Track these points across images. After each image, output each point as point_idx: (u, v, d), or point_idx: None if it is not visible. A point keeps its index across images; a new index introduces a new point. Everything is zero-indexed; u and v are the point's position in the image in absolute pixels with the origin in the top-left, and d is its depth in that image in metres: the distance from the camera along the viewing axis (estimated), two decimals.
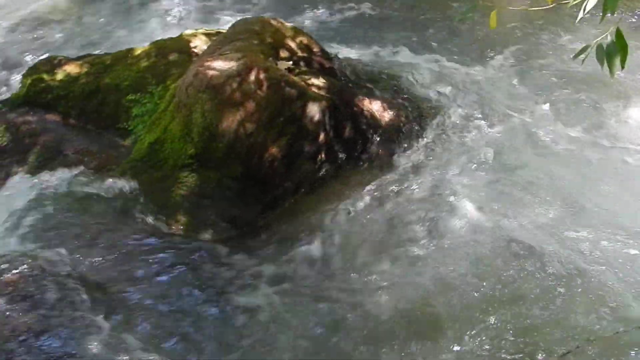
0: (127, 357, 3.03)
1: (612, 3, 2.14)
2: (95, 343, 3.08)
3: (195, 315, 3.31)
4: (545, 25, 5.71)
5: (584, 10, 2.25)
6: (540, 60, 5.32)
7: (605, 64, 2.22)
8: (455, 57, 5.28)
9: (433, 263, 3.58)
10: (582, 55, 2.34)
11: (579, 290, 3.33)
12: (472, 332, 3.19)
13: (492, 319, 3.25)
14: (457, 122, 4.57)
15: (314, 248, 3.75)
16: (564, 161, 4.31)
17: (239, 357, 3.15)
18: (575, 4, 2.33)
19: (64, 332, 3.12)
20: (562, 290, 3.33)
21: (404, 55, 5.27)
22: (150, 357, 3.07)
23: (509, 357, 3.06)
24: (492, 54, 5.40)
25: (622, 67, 2.20)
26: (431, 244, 3.70)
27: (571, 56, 2.84)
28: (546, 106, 4.77)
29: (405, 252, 3.68)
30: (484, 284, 3.46)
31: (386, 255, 3.68)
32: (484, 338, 3.18)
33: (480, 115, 4.61)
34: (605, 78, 4.12)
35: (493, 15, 3.28)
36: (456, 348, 3.16)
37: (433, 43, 5.55)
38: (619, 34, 2.19)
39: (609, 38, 2.21)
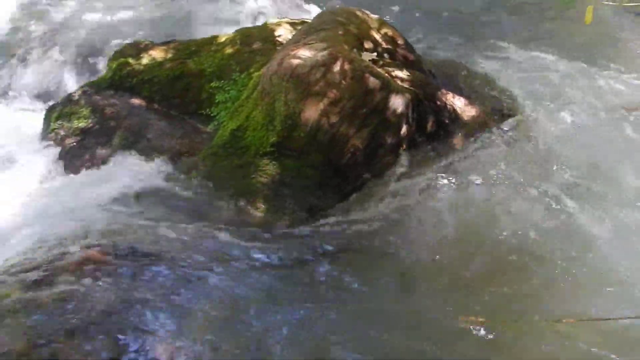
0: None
1: None
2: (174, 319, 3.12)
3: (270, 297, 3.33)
4: None
5: None
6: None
7: None
8: (544, 52, 5.14)
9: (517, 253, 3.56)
10: None
11: None
12: None
13: None
14: (542, 121, 4.46)
15: (392, 240, 3.72)
16: None
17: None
18: None
19: (145, 308, 3.17)
20: None
21: (490, 49, 5.18)
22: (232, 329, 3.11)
23: None
24: (585, 51, 5.24)
25: None
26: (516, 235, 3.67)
27: None
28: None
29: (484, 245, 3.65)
30: None
31: (466, 249, 3.65)
32: None
33: (567, 116, 4.48)
34: None
35: (589, 10, 3.16)
36: None
37: (521, 37, 5.42)
38: None
39: None
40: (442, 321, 3.34)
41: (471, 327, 3.24)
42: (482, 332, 3.17)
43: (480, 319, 3.24)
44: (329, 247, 3.71)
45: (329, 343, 3.24)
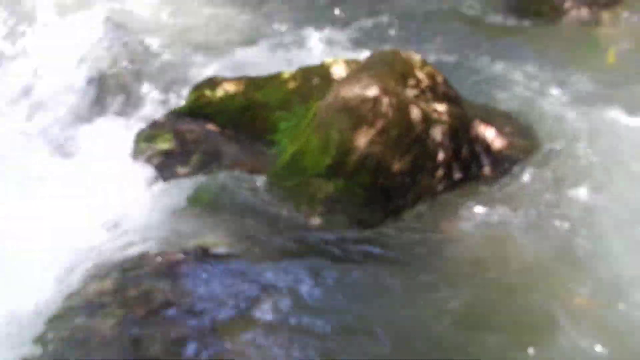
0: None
1: None
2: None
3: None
4: None
5: None
6: None
7: None
8: (566, 92, 5.23)
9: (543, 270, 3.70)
10: None
11: None
12: None
13: None
14: (561, 158, 4.60)
15: (431, 252, 3.94)
16: None
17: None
18: None
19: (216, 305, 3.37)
20: None
21: (524, 88, 5.29)
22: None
23: None
24: (606, 92, 5.24)
25: None
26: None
27: None
28: None
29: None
30: None
31: (496, 266, 3.80)
32: None
33: (583, 155, 4.58)
34: None
35: (611, 52, 3.32)
36: None
37: (552, 76, 5.47)
38: None
39: None
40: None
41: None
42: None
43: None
44: (376, 250, 3.94)
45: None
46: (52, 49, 6.17)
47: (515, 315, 3.54)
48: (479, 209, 4.26)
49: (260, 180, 4.45)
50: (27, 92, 5.92)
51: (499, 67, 5.56)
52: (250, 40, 6.05)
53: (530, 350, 3.26)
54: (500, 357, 3.28)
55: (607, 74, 5.34)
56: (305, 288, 3.61)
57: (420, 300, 3.64)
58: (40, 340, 3.31)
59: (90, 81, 5.76)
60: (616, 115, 4.98)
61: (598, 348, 3.24)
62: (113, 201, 4.60)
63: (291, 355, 3.18)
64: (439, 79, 4.77)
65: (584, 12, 6.43)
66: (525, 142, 4.76)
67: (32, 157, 5.19)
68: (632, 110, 5.00)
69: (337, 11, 6.44)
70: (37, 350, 3.28)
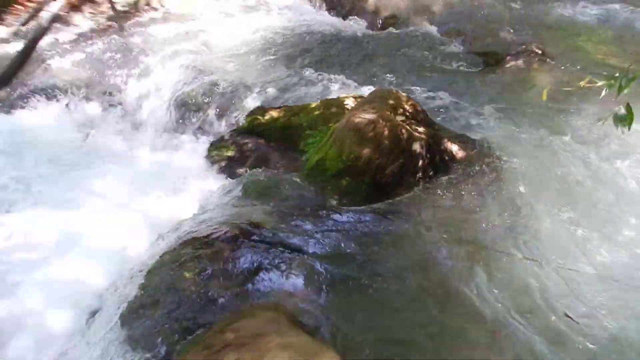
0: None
1: (625, 87, 2.27)
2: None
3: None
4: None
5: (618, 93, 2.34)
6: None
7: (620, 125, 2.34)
8: (515, 119, 5.13)
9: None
10: (602, 120, 2.46)
11: None
12: None
13: None
14: (505, 163, 4.54)
15: (413, 223, 3.87)
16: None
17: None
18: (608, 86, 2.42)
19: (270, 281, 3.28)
20: None
21: (478, 116, 5.20)
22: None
23: None
24: (547, 120, 5.14)
25: (629, 129, 2.33)
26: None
27: (597, 120, 2.63)
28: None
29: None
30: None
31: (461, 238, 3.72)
32: None
33: (527, 164, 4.50)
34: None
35: (544, 91, 3.31)
36: None
37: (499, 107, 5.36)
38: (628, 107, 2.30)
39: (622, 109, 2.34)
40: None
41: None
42: None
43: None
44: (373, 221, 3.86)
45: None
46: (153, 83, 6.21)
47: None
48: (445, 196, 4.21)
49: (294, 178, 4.42)
50: (135, 111, 5.96)
51: (461, 101, 5.47)
52: (288, 82, 6.00)
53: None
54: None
55: (541, 107, 5.28)
56: (324, 248, 3.56)
57: (404, 247, 3.64)
58: (142, 287, 3.29)
59: (178, 106, 5.77)
60: (548, 134, 4.94)
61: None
62: (192, 190, 4.63)
63: (315, 292, 3.14)
64: (419, 109, 4.75)
65: (520, 62, 6.39)
66: (479, 154, 4.66)
67: (137, 156, 5.20)
68: (559, 131, 4.98)
69: (348, 62, 6.43)
70: (140, 293, 3.25)
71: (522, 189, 4.21)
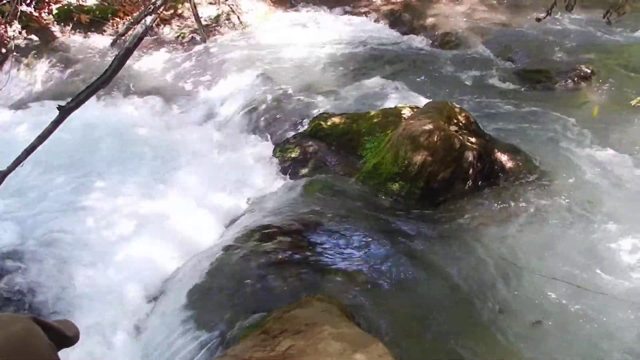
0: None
1: None
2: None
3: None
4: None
5: None
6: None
7: None
8: (565, 135, 4.87)
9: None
10: None
11: None
12: None
13: None
14: (554, 177, 4.29)
15: (460, 229, 3.74)
16: None
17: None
18: None
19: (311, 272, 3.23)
20: None
21: (529, 130, 4.95)
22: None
23: None
24: (598, 136, 4.83)
25: None
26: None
27: None
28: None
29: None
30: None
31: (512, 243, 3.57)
32: None
33: (577, 178, 4.26)
34: None
35: (595, 108, 3.11)
36: None
37: (550, 122, 5.08)
38: None
39: None
40: None
41: None
42: None
43: None
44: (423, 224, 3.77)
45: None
46: (229, 89, 6.24)
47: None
48: (492, 205, 4.03)
49: (352, 180, 4.34)
50: (211, 114, 5.99)
51: (511, 115, 5.27)
52: (350, 91, 5.93)
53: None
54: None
55: (591, 124, 4.97)
56: (377, 247, 3.47)
57: (450, 251, 3.51)
58: (207, 272, 3.28)
59: (249, 111, 5.77)
60: (597, 150, 4.67)
61: None
62: (258, 187, 4.61)
63: (366, 287, 3.05)
64: (472, 120, 4.57)
65: (570, 82, 6.08)
66: (528, 165, 4.44)
67: (210, 153, 5.22)
68: (608, 147, 4.70)
69: (405, 76, 6.31)
70: (205, 278, 3.24)
71: (570, 203, 3.99)
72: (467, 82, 6.10)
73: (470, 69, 6.36)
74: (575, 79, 6.06)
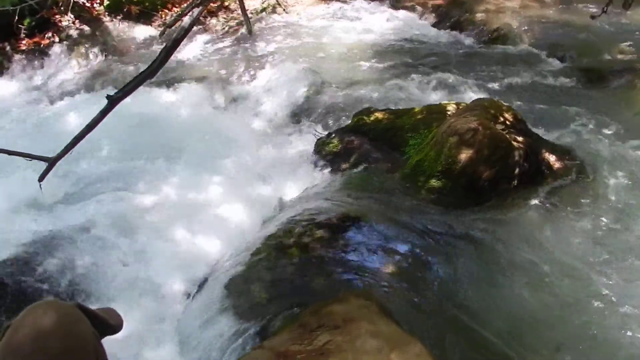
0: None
1: None
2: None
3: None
4: None
5: None
6: None
7: None
8: (615, 135, 4.66)
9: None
10: None
11: None
12: None
13: None
14: (603, 178, 4.11)
15: (503, 230, 3.63)
16: None
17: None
18: None
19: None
20: None
21: (578, 130, 4.77)
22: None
23: None
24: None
25: None
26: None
27: None
28: None
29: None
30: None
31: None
32: None
33: (625, 181, 4.07)
34: None
35: None
36: None
37: (601, 122, 4.87)
38: None
39: None
40: None
41: None
42: None
43: None
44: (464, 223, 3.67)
45: None
46: (272, 80, 6.24)
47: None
48: (537, 207, 3.90)
49: (394, 177, 4.27)
50: (255, 105, 6.00)
51: (561, 114, 5.06)
52: (393, 86, 5.84)
53: None
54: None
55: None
56: (418, 244, 3.41)
57: (491, 252, 3.41)
58: (247, 264, 3.31)
59: (292, 103, 5.78)
60: None
61: None
62: (299, 180, 4.59)
63: (405, 285, 3.00)
64: (519, 118, 4.47)
65: (623, 80, 5.83)
66: (577, 166, 4.28)
67: (253, 145, 5.25)
68: None
69: (451, 72, 6.14)
70: (245, 269, 3.26)
71: (622, 207, 3.83)
72: (515, 80, 5.92)
73: (518, 66, 6.17)
74: (629, 77, 5.81)
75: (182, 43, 3.42)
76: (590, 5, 7.15)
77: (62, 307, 1.10)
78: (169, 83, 6.36)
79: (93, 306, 1.26)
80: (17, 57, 7.11)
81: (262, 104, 5.93)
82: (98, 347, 1.12)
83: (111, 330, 1.21)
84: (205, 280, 3.48)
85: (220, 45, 7.42)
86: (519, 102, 5.32)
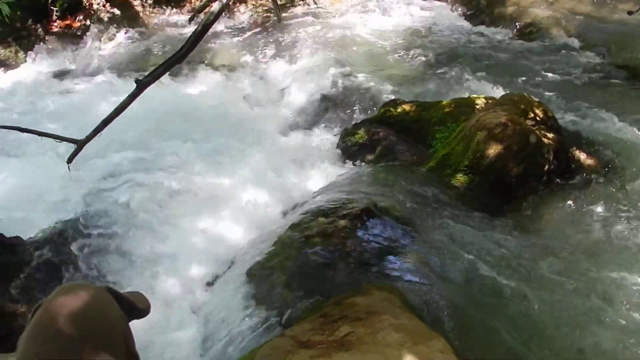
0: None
1: None
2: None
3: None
4: None
5: None
6: None
7: None
8: None
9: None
10: None
11: None
12: None
13: None
14: (634, 177, 4.01)
15: (530, 227, 3.60)
16: None
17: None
18: None
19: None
20: None
21: (611, 128, 4.64)
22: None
23: None
24: None
25: None
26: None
27: None
28: None
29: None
30: None
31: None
32: None
33: None
34: None
35: None
36: None
37: (633, 121, 4.69)
38: None
39: None
40: None
41: None
42: None
43: None
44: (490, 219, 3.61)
45: None
46: (299, 70, 6.24)
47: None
48: (566, 205, 3.82)
49: (419, 170, 4.24)
50: (282, 94, 5.99)
51: (595, 112, 4.91)
52: (421, 79, 5.81)
53: None
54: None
55: None
56: (442, 239, 3.34)
57: (517, 248, 3.33)
58: (269, 252, 3.29)
59: (318, 93, 5.75)
60: None
61: None
62: (323, 170, 4.58)
63: (429, 279, 2.93)
64: (550, 115, 4.37)
65: None
66: (609, 165, 4.20)
67: (278, 133, 5.27)
68: None
69: (480, 65, 6.07)
70: (267, 258, 3.26)
71: None
72: (546, 75, 5.80)
73: (551, 62, 6.04)
74: None
75: (211, 29, 3.43)
76: (625, 1, 6.94)
77: (93, 289, 1.11)
78: (195, 69, 6.39)
79: (118, 288, 1.26)
80: (48, 38, 7.21)
81: (289, 92, 5.92)
82: (126, 330, 1.12)
83: (139, 314, 1.22)
84: (228, 266, 3.49)
85: (249, 32, 7.42)
86: (550, 98, 5.22)
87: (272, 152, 4.86)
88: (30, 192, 4.15)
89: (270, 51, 6.77)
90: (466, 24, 7.37)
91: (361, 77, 5.86)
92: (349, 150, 4.76)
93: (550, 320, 2.80)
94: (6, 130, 3.08)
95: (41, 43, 7.12)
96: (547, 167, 4.01)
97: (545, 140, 4.07)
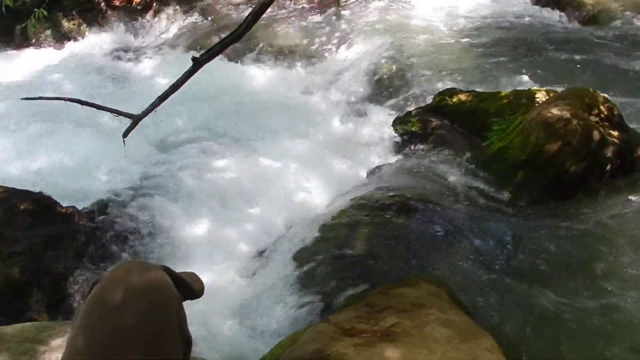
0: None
1: None
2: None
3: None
4: None
5: None
6: None
7: None
8: None
9: None
10: None
11: None
12: None
13: None
14: None
15: (588, 231, 3.39)
16: None
17: None
18: None
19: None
20: None
21: None
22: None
23: None
24: None
25: None
26: None
27: None
28: None
29: None
30: None
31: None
32: None
33: None
34: None
35: None
36: None
37: None
38: None
39: None
40: None
41: None
42: None
43: None
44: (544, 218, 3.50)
45: None
46: (353, 56, 6.16)
47: None
48: (629, 208, 3.59)
49: (473, 162, 4.11)
50: (336, 79, 5.91)
51: None
52: (479, 68, 5.64)
53: None
54: None
55: None
56: (491, 236, 3.27)
57: (572, 252, 3.20)
58: (316, 238, 3.31)
59: (371, 79, 5.67)
60: None
61: None
62: (373, 159, 4.56)
63: (477, 276, 2.90)
64: (615, 112, 4.18)
65: None
66: None
67: (329, 120, 5.21)
68: None
69: (544, 55, 5.83)
70: (314, 243, 3.26)
71: None
72: (616, 67, 5.50)
73: (621, 52, 5.71)
74: None
75: (269, 10, 3.41)
76: None
77: (151, 268, 1.11)
78: (250, 51, 6.40)
79: (170, 266, 1.26)
80: (110, 13, 7.37)
81: (343, 77, 5.86)
82: (181, 310, 1.13)
83: (193, 294, 1.22)
84: (274, 251, 3.50)
85: (306, 15, 7.34)
86: (617, 93, 4.96)
87: (324, 136, 4.84)
88: (86, 164, 4.27)
89: (326, 35, 6.71)
90: (532, 9, 7.04)
91: (417, 64, 5.75)
92: (401, 138, 4.68)
93: (607, 326, 2.69)
94: (66, 102, 3.15)
95: (103, 17, 7.28)
96: (609, 166, 3.86)
97: (609, 138, 3.91)
